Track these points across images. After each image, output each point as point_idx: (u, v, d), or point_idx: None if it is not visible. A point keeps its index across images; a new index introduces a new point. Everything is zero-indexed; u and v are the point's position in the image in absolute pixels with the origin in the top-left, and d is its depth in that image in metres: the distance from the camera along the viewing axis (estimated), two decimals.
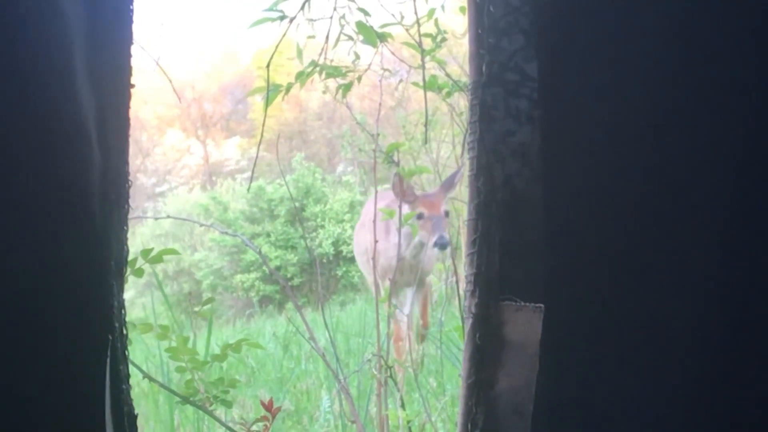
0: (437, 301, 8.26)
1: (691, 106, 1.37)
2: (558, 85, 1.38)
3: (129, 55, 1.32)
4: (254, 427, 2.51)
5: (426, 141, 4.08)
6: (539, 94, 1.38)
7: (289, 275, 16.07)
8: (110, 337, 1.29)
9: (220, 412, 2.58)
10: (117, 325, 1.32)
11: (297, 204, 16.75)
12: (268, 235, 16.97)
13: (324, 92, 3.64)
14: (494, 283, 1.40)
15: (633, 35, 1.37)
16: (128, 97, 1.32)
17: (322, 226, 16.58)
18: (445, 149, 9.23)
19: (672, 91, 1.37)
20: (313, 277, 16.02)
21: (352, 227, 16.10)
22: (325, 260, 15.94)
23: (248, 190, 17.61)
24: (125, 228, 1.35)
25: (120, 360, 1.34)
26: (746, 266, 1.38)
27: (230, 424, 2.61)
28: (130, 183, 1.34)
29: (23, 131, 1.19)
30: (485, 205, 1.39)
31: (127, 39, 1.31)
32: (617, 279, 1.39)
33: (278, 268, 15.91)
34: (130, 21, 1.31)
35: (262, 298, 15.98)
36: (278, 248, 16.65)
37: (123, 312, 1.35)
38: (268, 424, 2.48)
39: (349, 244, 16.09)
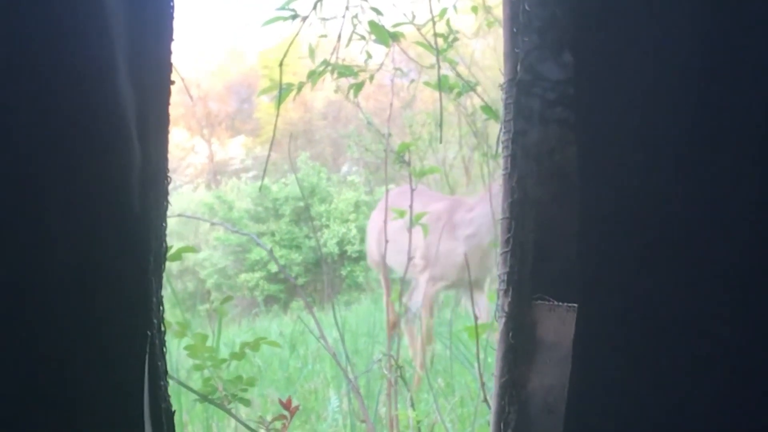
0: (443, 301, 8.26)
1: (726, 103, 1.37)
2: (592, 86, 1.38)
3: (169, 52, 1.32)
4: (272, 426, 2.51)
5: (440, 140, 4.07)
6: (574, 95, 1.38)
7: (293, 275, 16.02)
8: (149, 333, 1.30)
9: (233, 410, 2.58)
10: (155, 321, 1.32)
11: (303, 203, 16.74)
12: (273, 235, 16.93)
13: (336, 91, 3.65)
14: (527, 282, 1.40)
15: (668, 36, 1.37)
16: (168, 93, 1.32)
17: (327, 226, 16.54)
18: (452, 150, 9.26)
19: (706, 90, 1.37)
20: (317, 276, 16.00)
21: (357, 227, 16.08)
22: (329, 260, 15.91)
23: (260, 189, 17.58)
24: (164, 225, 1.35)
25: (158, 356, 1.34)
26: None
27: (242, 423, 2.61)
28: (169, 180, 1.34)
29: (65, 128, 1.19)
30: (519, 204, 1.39)
31: (167, 35, 1.31)
32: (652, 279, 1.39)
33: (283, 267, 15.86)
34: (171, 17, 1.31)
35: (267, 298, 15.94)
36: (283, 247, 16.60)
37: (161, 308, 1.35)
38: (287, 423, 2.48)
39: (353, 244, 16.07)
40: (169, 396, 1.38)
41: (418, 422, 3.33)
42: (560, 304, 1.38)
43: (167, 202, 1.34)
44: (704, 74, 1.37)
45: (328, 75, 3.26)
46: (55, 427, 1.23)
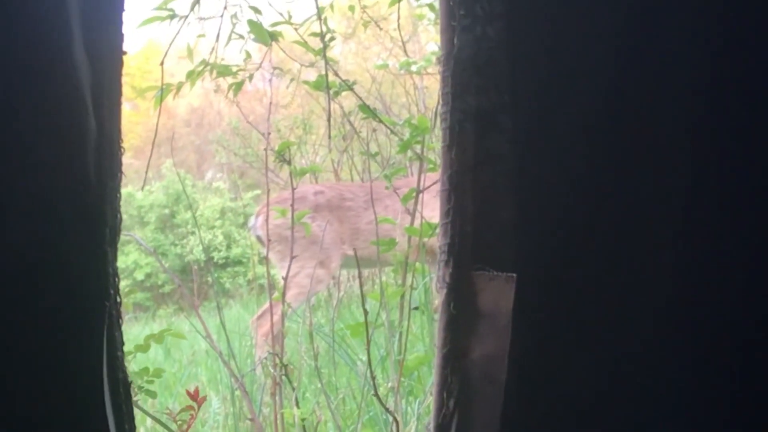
0: (322, 300, 8.25)
1: (654, 88, 1.41)
2: (530, 65, 1.41)
3: (121, 23, 1.31)
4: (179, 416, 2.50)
5: (330, 136, 4.09)
6: (512, 72, 1.40)
7: (160, 282, 15.83)
8: (107, 304, 1.28)
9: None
10: (112, 292, 1.31)
11: (168, 210, 16.55)
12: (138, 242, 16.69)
13: (216, 91, 3.64)
14: (468, 253, 1.42)
15: (605, 18, 1.41)
16: (121, 64, 1.31)
17: (193, 233, 16.36)
18: (321, 152, 9.28)
19: (637, 73, 1.41)
20: (184, 283, 15.81)
21: (223, 233, 15.96)
22: (196, 267, 15.72)
23: (142, 189, 17.27)
24: (118, 195, 1.34)
25: (115, 327, 1.33)
26: (713, 241, 1.43)
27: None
28: (123, 151, 1.33)
29: (22, 98, 1.18)
30: (458, 176, 1.41)
31: (119, 6, 1.30)
32: (589, 249, 1.42)
33: (149, 275, 15.69)
34: None
35: (134, 306, 15.69)
36: (149, 255, 16.37)
37: (117, 279, 1.34)
38: (194, 414, 2.47)
39: (220, 251, 15.95)
40: (125, 366, 1.37)
41: (303, 420, 3.33)
42: (500, 273, 1.40)
43: (121, 173, 1.34)
44: (636, 55, 1.41)
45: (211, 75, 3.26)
46: (12, 401, 1.21)
